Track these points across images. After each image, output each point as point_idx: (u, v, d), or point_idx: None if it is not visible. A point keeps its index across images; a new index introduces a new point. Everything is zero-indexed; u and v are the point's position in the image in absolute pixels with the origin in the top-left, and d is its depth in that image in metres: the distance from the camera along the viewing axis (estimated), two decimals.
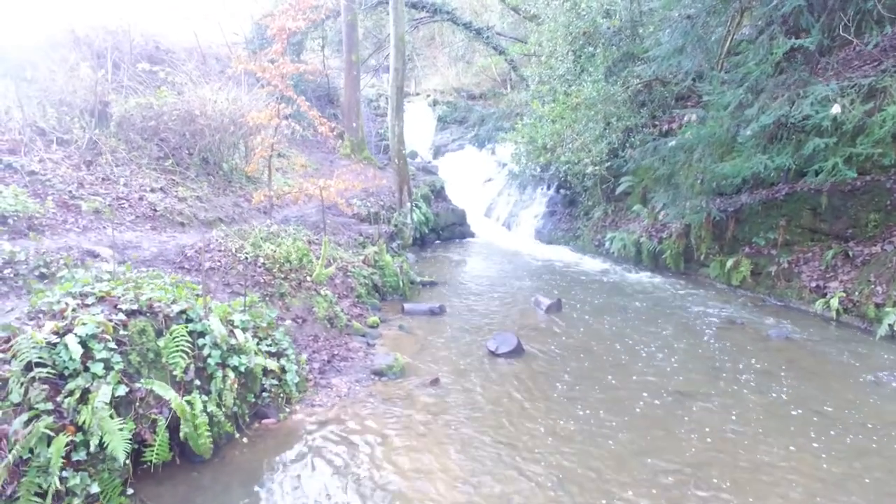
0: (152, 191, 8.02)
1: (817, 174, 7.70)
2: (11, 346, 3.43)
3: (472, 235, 15.75)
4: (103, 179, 7.71)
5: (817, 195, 8.82)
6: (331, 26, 20.86)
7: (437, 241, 14.68)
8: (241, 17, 19.90)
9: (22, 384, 3.34)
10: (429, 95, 26.51)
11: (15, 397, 3.29)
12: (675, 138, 9.42)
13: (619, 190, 12.65)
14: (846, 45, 8.82)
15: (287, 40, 7.63)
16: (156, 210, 7.51)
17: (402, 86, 11.69)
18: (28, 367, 3.39)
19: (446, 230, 15.09)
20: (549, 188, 15.75)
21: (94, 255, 5.65)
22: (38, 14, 12.76)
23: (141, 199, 7.64)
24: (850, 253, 8.26)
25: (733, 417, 5.07)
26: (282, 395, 4.89)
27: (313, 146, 16.61)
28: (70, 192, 6.89)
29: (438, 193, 15.91)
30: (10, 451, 3.12)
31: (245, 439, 4.51)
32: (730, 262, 9.68)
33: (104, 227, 6.55)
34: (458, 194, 17.48)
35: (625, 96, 10.78)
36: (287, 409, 4.90)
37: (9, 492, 3.10)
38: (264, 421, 4.75)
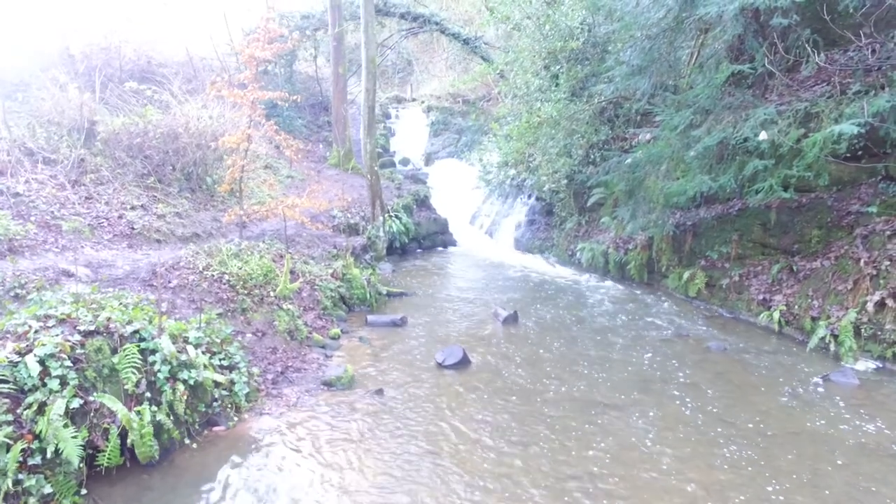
0: (132, 208, 8.54)
1: (757, 193, 8.13)
2: None
3: (455, 244, 16.16)
4: (86, 198, 8.24)
5: (767, 211, 9.23)
6: (322, 37, 21.40)
7: (419, 251, 15.14)
8: (232, 21, 20.21)
9: None
10: (423, 102, 26.86)
11: None
12: (631, 156, 9.86)
13: (591, 201, 13.07)
14: (796, 69, 9.21)
15: (257, 68, 8.14)
16: (133, 228, 8.04)
17: (374, 105, 12.21)
18: None
19: (427, 239, 15.53)
20: (529, 197, 16.15)
21: (69, 275, 6.16)
22: (35, 32, 13.29)
23: (120, 217, 8.16)
24: (795, 267, 8.66)
25: (646, 428, 5.52)
26: (231, 404, 5.40)
27: (303, 155, 17.14)
28: (52, 212, 7.42)
29: (422, 203, 16.34)
30: None
31: (195, 445, 5.02)
32: (686, 275, 10.11)
33: (82, 247, 7.09)
34: (448, 202, 17.86)
35: (589, 113, 11.21)
36: (236, 418, 5.41)
37: None
38: (214, 428, 5.26)
